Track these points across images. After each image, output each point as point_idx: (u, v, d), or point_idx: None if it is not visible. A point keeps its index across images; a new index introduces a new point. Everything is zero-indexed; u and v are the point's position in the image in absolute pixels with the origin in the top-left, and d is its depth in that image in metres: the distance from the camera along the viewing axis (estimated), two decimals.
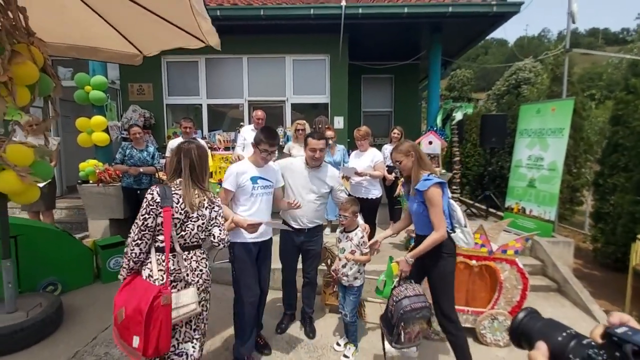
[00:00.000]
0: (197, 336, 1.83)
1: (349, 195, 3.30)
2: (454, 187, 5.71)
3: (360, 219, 2.62)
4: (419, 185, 2.10)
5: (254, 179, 2.31)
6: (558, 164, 4.59)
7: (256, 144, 2.32)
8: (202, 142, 4.52)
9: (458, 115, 5.52)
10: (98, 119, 4.66)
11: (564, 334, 0.53)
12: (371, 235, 3.95)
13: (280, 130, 5.81)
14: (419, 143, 4.23)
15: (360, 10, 4.88)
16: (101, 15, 3.07)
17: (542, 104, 5.15)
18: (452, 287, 2.23)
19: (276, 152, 2.42)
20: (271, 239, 2.51)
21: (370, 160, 3.89)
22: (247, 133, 4.45)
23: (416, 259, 2.16)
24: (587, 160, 6.01)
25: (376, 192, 3.91)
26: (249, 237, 2.27)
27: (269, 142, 2.26)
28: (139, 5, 2.72)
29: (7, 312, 2.57)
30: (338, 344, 2.68)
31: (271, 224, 2.33)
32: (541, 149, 4.87)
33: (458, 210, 2.26)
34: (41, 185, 3.37)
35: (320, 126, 5.60)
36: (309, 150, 2.54)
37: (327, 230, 4.48)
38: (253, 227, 2.12)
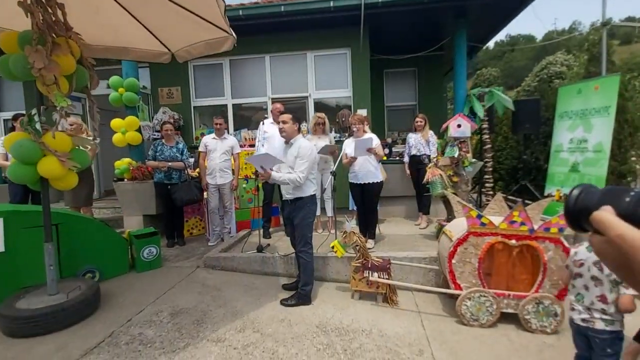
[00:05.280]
0: None
1: (354, 181, 3.87)
2: (487, 177, 5.42)
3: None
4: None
5: None
6: (604, 144, 4.26)
7: None
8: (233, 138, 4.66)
9: (488, 103, 5.29)
10: (131, 119, 4.89)
11: (632, 193, 0.45)
12: (373, 221, 4.03)
13: (304, 126, 5.82)
14: (447, 127, 4.06)
15: None
16: (131, 13, 3.24)
17: (584, 83, 4.83)
18: None
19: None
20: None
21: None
22: (268, 126, 4.49)
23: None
24: (634, 144, 5.50)
25: (380, 176, 3.93)
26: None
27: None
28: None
29: (49, 294, 2.69)
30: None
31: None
32: (585, 130, 4.56)
33: None
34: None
35: (343, 119, 5.57)
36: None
37: (353, 222, 4.38)
38: None
